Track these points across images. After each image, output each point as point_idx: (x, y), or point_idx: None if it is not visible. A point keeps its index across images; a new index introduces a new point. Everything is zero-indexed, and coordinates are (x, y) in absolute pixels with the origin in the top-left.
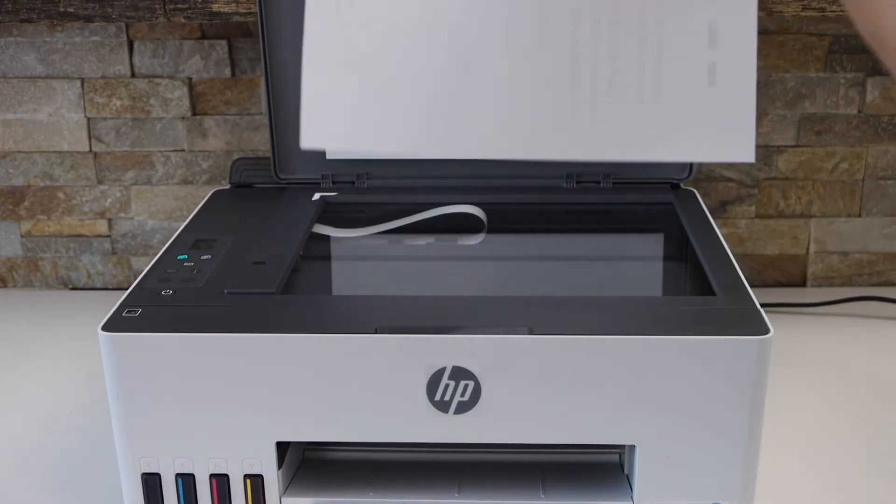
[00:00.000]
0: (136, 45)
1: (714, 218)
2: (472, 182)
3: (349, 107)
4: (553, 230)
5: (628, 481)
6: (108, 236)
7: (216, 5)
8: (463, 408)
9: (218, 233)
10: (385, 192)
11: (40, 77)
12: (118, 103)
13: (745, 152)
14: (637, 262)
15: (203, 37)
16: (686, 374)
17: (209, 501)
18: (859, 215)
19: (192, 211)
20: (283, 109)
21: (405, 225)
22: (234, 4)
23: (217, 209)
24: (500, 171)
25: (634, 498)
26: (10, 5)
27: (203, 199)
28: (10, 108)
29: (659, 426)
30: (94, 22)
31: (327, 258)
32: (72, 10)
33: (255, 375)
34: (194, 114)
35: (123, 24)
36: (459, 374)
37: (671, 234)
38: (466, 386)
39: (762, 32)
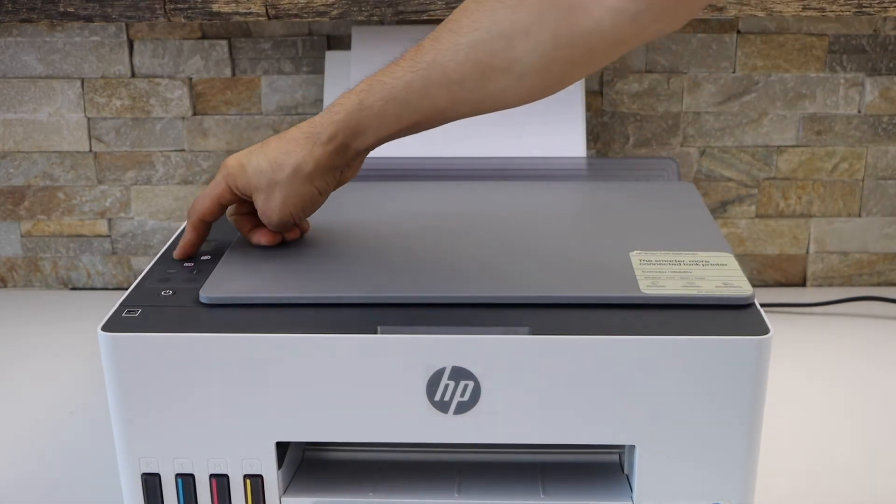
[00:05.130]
0: (136, 45)
1: (714, 218)
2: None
3: None
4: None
5: (628, 481)
6: (108, 236)
7: (216, 5)
8: (462, 408)
9: (218, 233)
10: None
11: (40, 77)
12: (118, 103)
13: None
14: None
15: (203, 37)
16: (686, 374)
17: (209, 501)
18: (859, 215)
19: None
20: None
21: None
22: (234, 4)
23: None
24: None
25: (634, 498)
26: (10, 5)
27: None
28: (10, 108)
29: (659, 426)
30: (94, 22)
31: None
32: (72, 10)
33: (255, 375)
34: (194, 114)
35: (123, 24)
36: (459, 374)
37: None
38: (466, 386)
39: (762, 32)
